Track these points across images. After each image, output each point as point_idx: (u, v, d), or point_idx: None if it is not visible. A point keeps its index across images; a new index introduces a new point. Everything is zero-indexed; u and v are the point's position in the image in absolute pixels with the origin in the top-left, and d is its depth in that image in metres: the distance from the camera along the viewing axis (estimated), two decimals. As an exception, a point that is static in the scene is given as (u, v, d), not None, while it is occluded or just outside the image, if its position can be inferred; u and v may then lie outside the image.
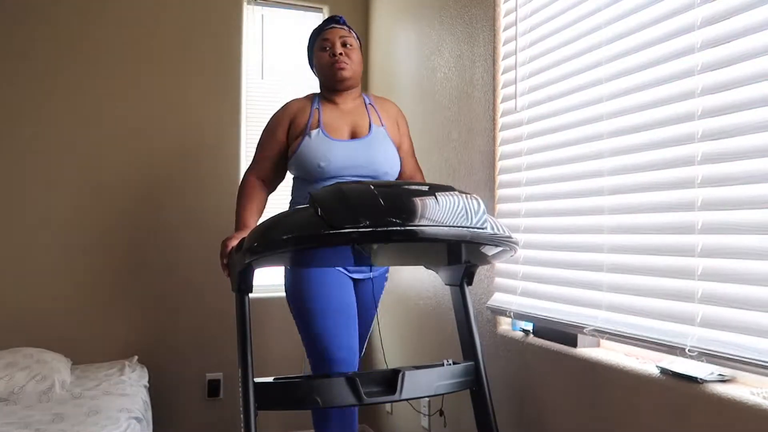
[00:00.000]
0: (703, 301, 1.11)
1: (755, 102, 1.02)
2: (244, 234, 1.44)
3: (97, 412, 1.84)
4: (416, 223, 1.14)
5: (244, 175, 1.88)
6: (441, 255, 1.51)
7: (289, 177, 1.91)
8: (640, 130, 1.28)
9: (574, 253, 1.47)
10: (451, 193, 1.25)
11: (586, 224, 1.43)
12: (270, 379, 1.33)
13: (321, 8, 3.10)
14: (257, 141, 1.89)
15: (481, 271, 1.90)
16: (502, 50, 1.85)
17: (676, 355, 1.14)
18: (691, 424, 1.11)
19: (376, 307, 1.93)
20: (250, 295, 1.43)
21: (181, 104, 2.81)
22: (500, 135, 1.84)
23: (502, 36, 1.85)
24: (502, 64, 1.85)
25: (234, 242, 1.53)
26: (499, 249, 1.37)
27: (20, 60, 2.60)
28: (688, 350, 1.11)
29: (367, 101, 1.92)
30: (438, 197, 1.21)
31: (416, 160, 2.00)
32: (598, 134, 1.40)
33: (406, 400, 1.41)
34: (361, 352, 1.89)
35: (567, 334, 1.50)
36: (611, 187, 1.35)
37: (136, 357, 2.61)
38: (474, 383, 1.50)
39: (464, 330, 1.56)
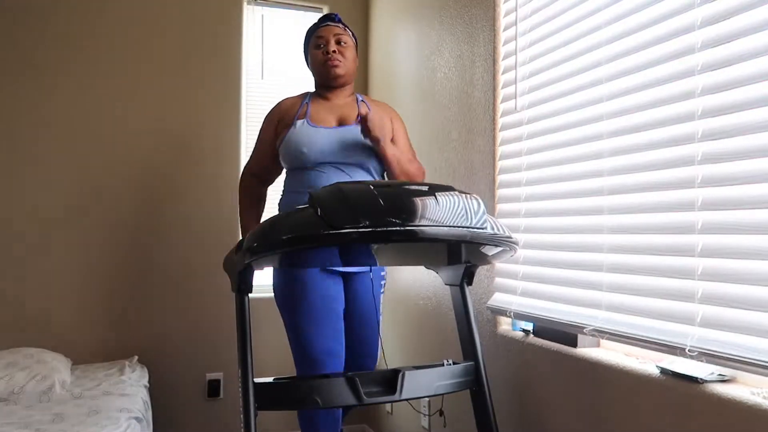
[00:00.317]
0: (703, 301, 1.11)
1: (755, 102, 1.02)
2: None
3: (97, 412, 1.84)
4: (416, 223, 1.14)
5: (243, 173, 1.97)
6: (441, 255, 1.51)
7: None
8: (640, 130, 1.28)
9: (574, 253, 1.47)
10: (451, 193, 1.24)
11: (586, 224, 1.43)
12: (270, 379, 1.33)
13: (321, 8, 3.10)
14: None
15: (481, 271, 1.90)
16: (502, 50, 1.85)
17: (676, 355, 1.14)
18: (691, 424, 1.11)
19: (377, 302, 1.91)
20: (250, 295, 1.43)
21: (181, 104, 2.81)
22: (500, 135, 1.84)
23: (502, 36, 1.85)
24: (502, 64, 1.85)
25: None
26: (499, 249, 1.36)
27: (20, 58, 2.60)
28: (688, 350, 1.11)
29: (359, 98, 1.94)
30: (438, 197, 1.21)
31: (415, 158, 1.98)
32: (598, 134, 1.40)
33: (406, 400, 1.41)
34: (376, 352, 1.88)
35: (567, 334, 1.50)
36: (611, 187, 1.35)
37: (136, 357, 2.61)
38: (474, 383, 1.50)
39: (464, 330, 1.56)
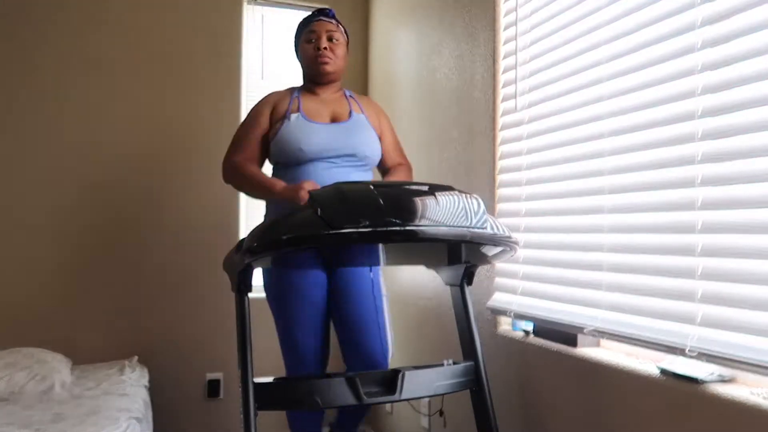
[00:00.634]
0: (704, 301, 1.11)
1: (756, 101, 1.02)
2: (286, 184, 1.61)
3: (97, 412, 1.84)
4: (416, 223, 1.14)
5: (227, 162, 1.82)
6: (441, 255, 1.51)
7: (268, 166, 1.89)
8: (640, 130, 1.28)
9: (575, 252, 1.47)
10: (451, 193, 1.24)
11: (587, 224, 1.43)
12: (270, 379, 1.33)
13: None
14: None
15: (481, 271, 1.90)
16: (502, 49, 1.85)
17: (676, 355, 1.14)
18: (691, 425, 1.11)
19: (376, 292, 1.83)
20: (250, 295, 1.43)
21: (181, 104, 2.81)
22: (500, 134, 1.84)
23: (503, 35, 1.85)
24: (502, 64, 1.85)
25: (309, 186, 1.55)
26: (499, 249, 1.37)
27: (20, 58, 2.60)
28: (688, 350, 1.11)
29: (348, 94, 1.94)
30: (438, 197, 1.21)
31: (403, 155, 1.99)
32: (599, 133, 1.40)
33: (406, 400, 1.41)
34: (386, 345, 1.82)
35: (567, 334, 1.50)
36: (611, 187, 1.35)
37: (136, 357, 2.61)
38: (474, 383, 1.50)
39: (464, 330, 1.56)
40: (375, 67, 3.05)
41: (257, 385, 1.31)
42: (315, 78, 1.88)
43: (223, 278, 2.79)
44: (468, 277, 1.58)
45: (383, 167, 1.94)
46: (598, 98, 1.40)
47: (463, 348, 1.56)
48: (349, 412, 1.88)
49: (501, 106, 1.84)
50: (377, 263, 1.83)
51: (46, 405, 1.94)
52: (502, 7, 1.85)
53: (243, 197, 2.89)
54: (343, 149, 1.77)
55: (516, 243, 1.32)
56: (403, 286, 2.54)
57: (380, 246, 1.46)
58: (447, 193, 1.24)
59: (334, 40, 1.86)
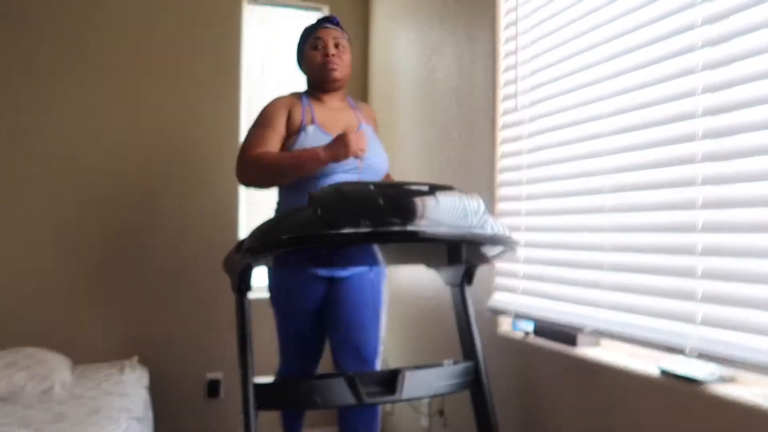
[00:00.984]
0: (704, 301, 1.11)
1: (756, 101, 1.02)
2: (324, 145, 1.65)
3: (97, 412, 1.84)
4: (416, 223, 1.14)
5: (245, 156, 1.74)
6: (441, 255, 1.51)
7: None
8: (640, 129, 1.27)
9: (575, 252, 1.47)
10: (451, 193, 1.24)
11: (587, 223, 1.43)
12: (270, 379, 1.34)
13: (321, 8, 3.10)
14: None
15: (481, 271, 1.90)
16: (502, 49, 1.85)
17: (677, 355, 1.14)
18: (691, 424, 1.11)
19: (375, 301, 1.86)
20: (250, 295, 1.43)
21: (180, 104, 2.81)
22: (500, 134, 1.84)
23: (503, 35, 1.85)
24: (502, 63, 1.85)
25: (358, 136, 1.61)
26: (500, 249, 1.37)
27: (20, 59, 2.60)
28: (688, 350, 1.11)
29: (351, 103, 1.95)
30: (438, 197, 1.21)
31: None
32: (599, 133, 1.40)
33: (406, 400, 1.41)
34: (378, 350, 1.86)
35: (567, 334, 1.50)
36: (612, 186, 1.35)
37: (136, 357, 2.61)
38: (474, 383, 1.50)
39: (464, 330, 1.56)
40: (375, 67, 3.05)
41: (257, 385, 1.31)
42: (322, 85, 1.86)
43: (223, 278, 2.80)
44: (468, 277, 1.58)
45: None
46: (598, 98, 1.40)
47: (463, 348, 1.56)
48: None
49: (501, 106, 1.84)
50: (377, 263, 1.83)
51: (46, 405, 1.94)
52: (502, 7, 1.85)
53: (243, 197, 2.89)
54: (359, 161, 1.77)
55: (516, 243, 1.32)
56: (403, 286, 2.54)
57: (380, 246, 1.46)
58: (447, 193, 1.24)
59: (340, 47, 1.86)
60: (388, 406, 2.68)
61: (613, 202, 1.35)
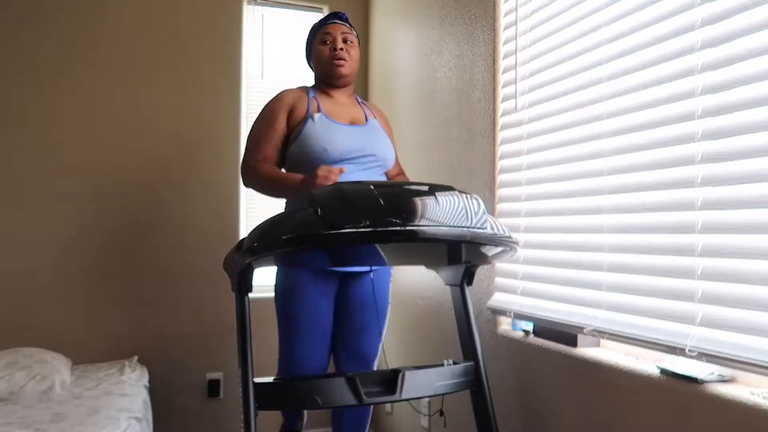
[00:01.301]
0: (704, 301, 1.11)
1: (755, 101, 1.02)
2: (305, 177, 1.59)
3: (97, 412, 1.84)
4: (416, 223, 1.14)
5: (246, 165, 1.79)
6: (441, 255, 1.51)
7: None
8: (640, 130, 1.28)
9: (575, 252, 1.47)
10: (451, 193, 1.24)
11: (587, 224, 1.43)
12: (270, 379, 1.33)
13: (321, 8, 3.10)
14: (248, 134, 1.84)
15: (481, 271, 1.90)
16: (502, 49, 1.85)
17: (676, 355, 1.14)
18: (691, 424, 1.11)
19: (381, 302, 1.87)
20: (250, 295, 1.43)
21: (180, 104, 2.81)
22: (500, 134, 1.84)
23: (503, 35, 1.85)
24: (502, 64, 1.85)
25: (333, 176, 1.54)
26: (500, 249, 1.36)
27: (21, 59, 2.60)
28: (688, 350, 1.11)
29: (359, 99, 1.96)
30: (438, 197, 1.21)
31: (401, 167, 2.05)
32: (599, 133, 1.40)
33: (406, 400, 1.41)
34: (377, 350, 1.88)
35: (567, 334, 1.50)
36: (611, 187, 1.35)
37: (136, 357, 2.61)
38: (474, 383, 1.50)
39: (464, 330, 1.56)
40: (375, 67, 3.05)
41: (257, 385, 1.31)
42: (330, 80, 1.86)
43: (223, 278, 2.80)
44: (468, 277, 1.58)
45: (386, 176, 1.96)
46: (598, 98, 1.40)
47: (463, 348, 1.57)
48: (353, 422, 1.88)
49: (501, 106, 1.84)
50: (377, 263, 1.83)
51: (46, 405, 1.94)
52: (502, 7, 1.85)
53: (243, 197, 2.89)
54: (365, 150, 1.78)
55: (516, 243, 1.32)
56: (403, 286, 2.54)
57: (380, 246, 1.46)
58: (447, 193, 1.24)
59: (348, 42, 1.86)
60: (388, 406, 2.68)
61: (612, 202, 1.35)
